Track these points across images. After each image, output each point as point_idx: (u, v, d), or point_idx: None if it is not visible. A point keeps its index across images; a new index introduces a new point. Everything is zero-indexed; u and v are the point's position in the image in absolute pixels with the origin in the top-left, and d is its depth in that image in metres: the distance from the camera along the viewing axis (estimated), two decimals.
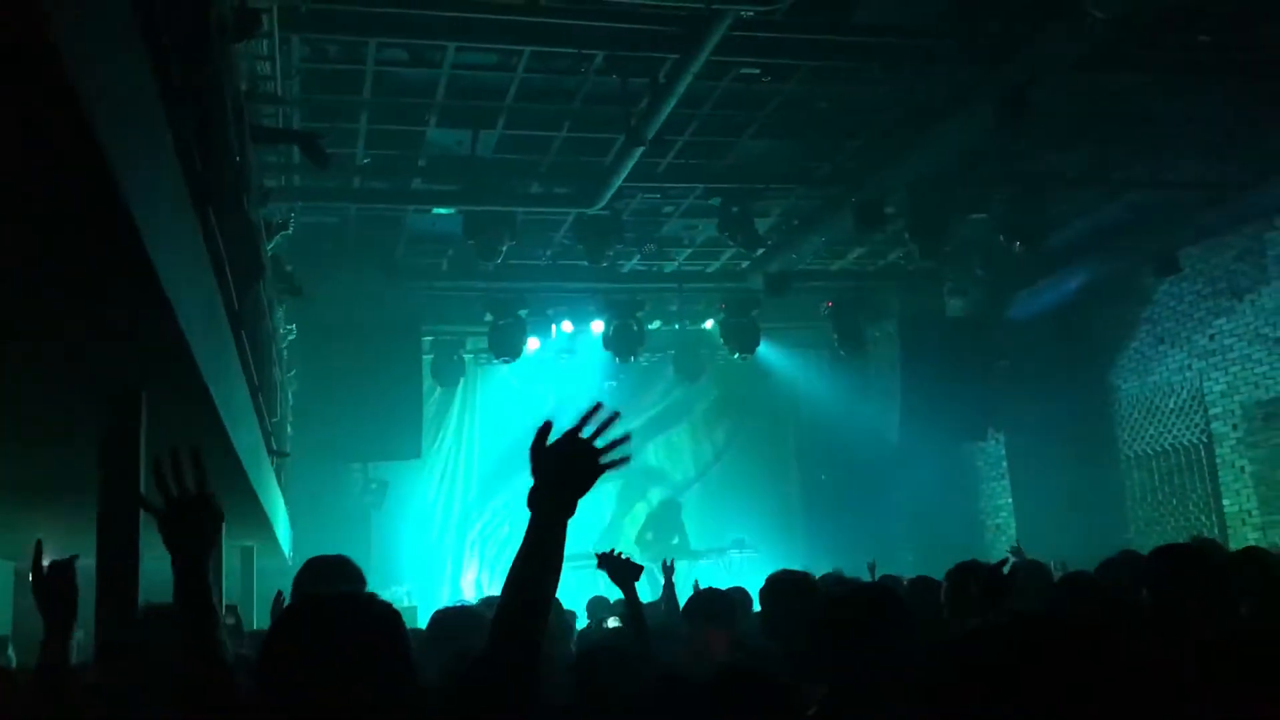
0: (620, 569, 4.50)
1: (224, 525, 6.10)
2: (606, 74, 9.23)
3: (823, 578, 6.28)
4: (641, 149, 9.79)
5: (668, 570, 6.38)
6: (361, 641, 1.91)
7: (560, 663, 4.00)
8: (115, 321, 3.07)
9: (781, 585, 4.46)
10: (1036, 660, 1.09)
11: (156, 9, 2.73)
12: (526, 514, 2.12)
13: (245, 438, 5.14)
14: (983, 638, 1.15)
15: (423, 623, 5.40)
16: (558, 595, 2.24)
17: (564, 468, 2.08)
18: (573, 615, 6.62)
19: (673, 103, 9.02)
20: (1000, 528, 14.99)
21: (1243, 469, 12.37)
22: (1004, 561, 4.49)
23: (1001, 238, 11.82)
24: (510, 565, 2.08)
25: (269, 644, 1.97)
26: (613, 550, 4.64)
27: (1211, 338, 12.71)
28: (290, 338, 11.27)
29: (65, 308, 3.04)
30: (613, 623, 5.64)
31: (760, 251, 13.40)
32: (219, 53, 4.48)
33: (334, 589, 2.16)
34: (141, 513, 3.43)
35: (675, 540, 16.63)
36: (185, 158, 3.21)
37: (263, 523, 8.02)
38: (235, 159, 5.10)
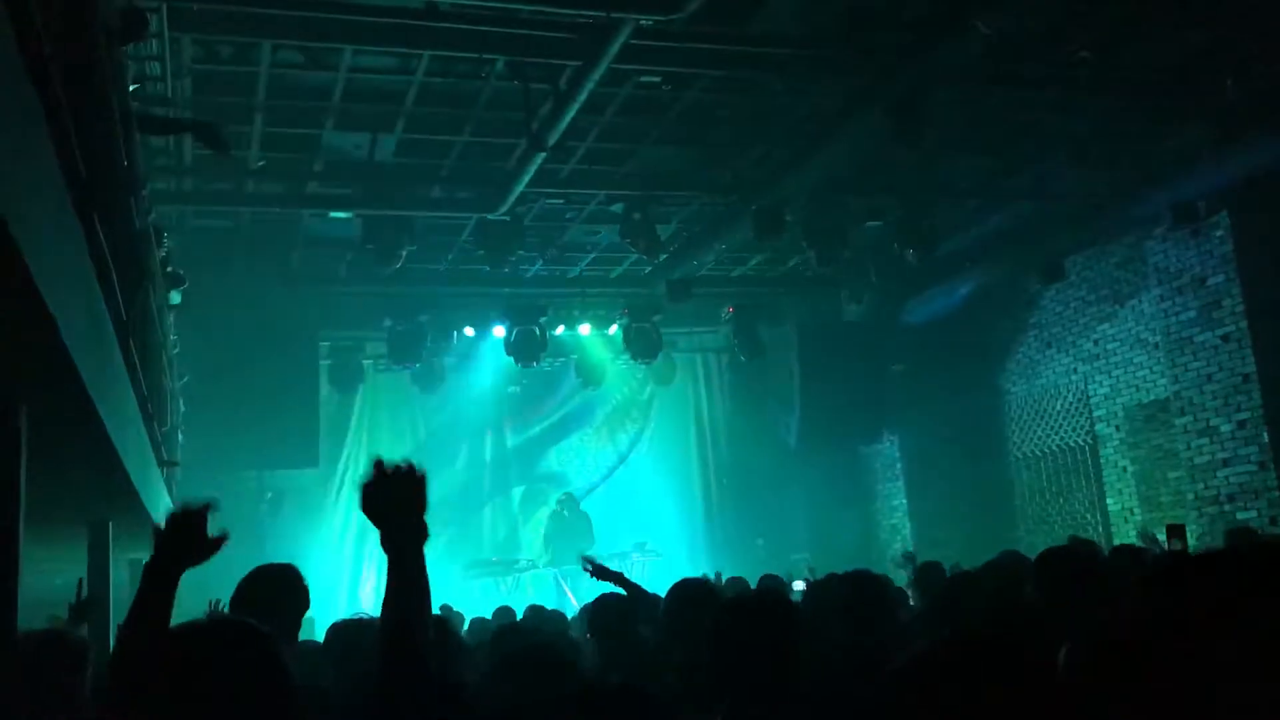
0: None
1: (110, 537, 5.91)
2: (508, 79, 9.20)
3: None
4: (543, 155, 9.78)
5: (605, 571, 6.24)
6: (230, 679, 1.86)
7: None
8: None
9: (683, 593, 4.50)
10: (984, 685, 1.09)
11: (31, 7, 2.65)
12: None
13: (133, 449, 4.99)
14: (928, 661, 1.14)
15: (320, 634, 5.33)
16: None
17: (388, 501, 2.16)
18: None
19: (575, 109, 9.03)
20: (896, 528, 15.33)
21: (1125, 469, 12.84)
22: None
23: (895, 245, 12.12)
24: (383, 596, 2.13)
25: (133, 681, 1.91)
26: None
27: (1095, 342, 13.17)
28: (177, 348, 10.94)
29: None
30: None
31: (662, 258, 13.50)
32: (104, 53, 4.35)
33: (232, 614, 2.10)
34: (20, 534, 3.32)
35: (584, 544, 16.58)
36: (68, 164, 3.12)
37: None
38: (123, 163, 4.96)
